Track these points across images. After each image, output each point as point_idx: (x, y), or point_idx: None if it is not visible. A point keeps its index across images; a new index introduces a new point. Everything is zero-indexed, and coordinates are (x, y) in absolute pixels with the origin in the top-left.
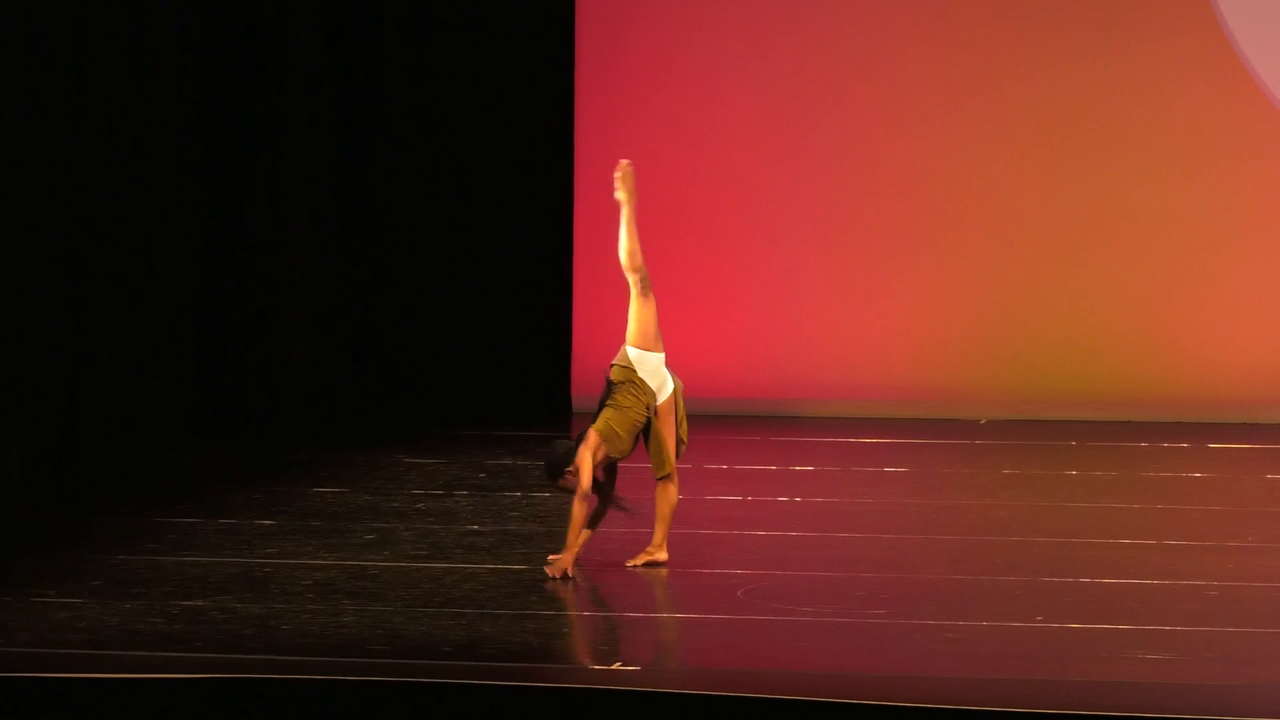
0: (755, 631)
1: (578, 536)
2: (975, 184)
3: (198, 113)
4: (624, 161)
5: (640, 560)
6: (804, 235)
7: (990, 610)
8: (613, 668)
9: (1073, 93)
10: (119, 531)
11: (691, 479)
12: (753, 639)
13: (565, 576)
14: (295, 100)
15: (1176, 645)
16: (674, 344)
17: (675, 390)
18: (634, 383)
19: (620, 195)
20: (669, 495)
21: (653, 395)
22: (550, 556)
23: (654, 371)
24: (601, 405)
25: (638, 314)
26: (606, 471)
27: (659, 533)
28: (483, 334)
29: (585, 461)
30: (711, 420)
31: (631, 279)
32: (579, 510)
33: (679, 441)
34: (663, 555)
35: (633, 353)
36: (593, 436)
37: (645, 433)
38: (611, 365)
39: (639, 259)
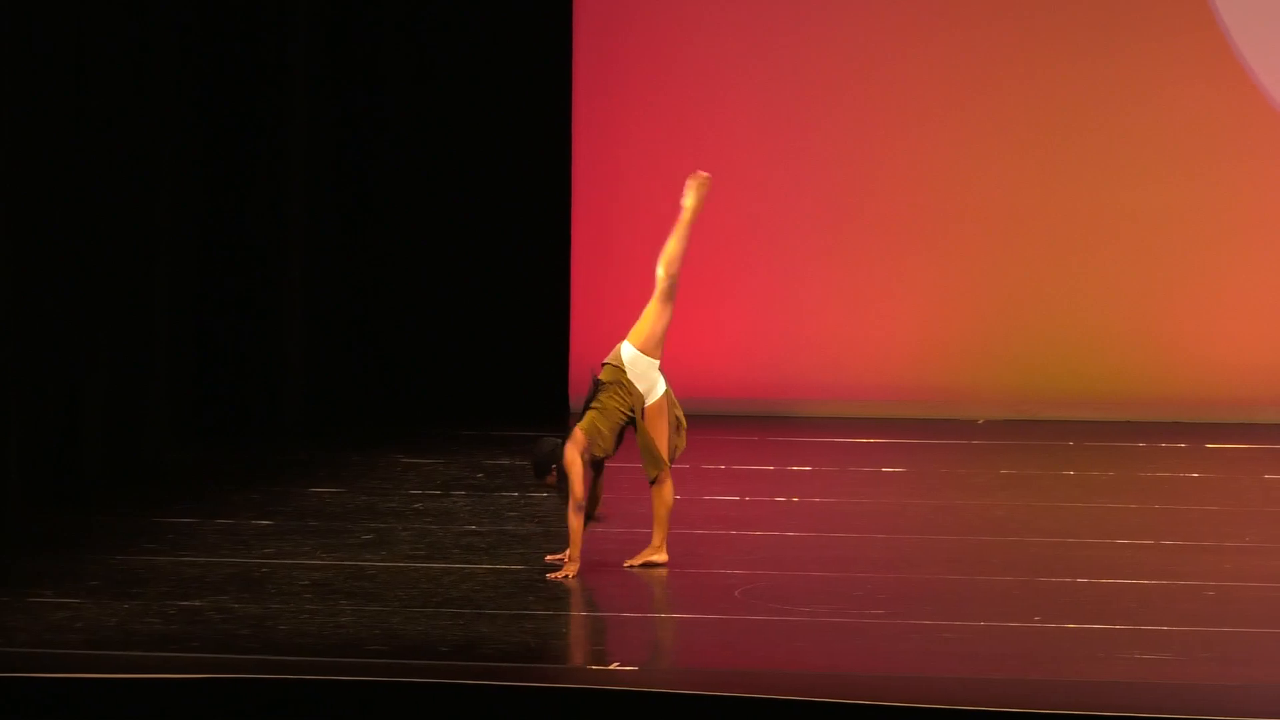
0: (752, 631)
1: (580, 547)
2: (973, 184)
3: (198, 113)
4: (704, 174)
5: (638, 561)
6: (802, 235)
7: (987, 610)
8: (610, 668)
9: (1071, 93)
10: (117, 531)
11: (689, 479)
12: (749, 639)
13: (566, 577)
14: (295, 100)
15: (1173, 645)
16: (673, 343)
17: (667, 394)
18: (622, 384)
19: (688, 201)
20: (663, 497)
21: (640, 398)
22: (549, 557)
23: (643, 375)
24: (587, 405)
25: (652, 317)
26: (593, 469)
27: (657, 534)
28: (481, 334)
29: (575, 465)
30: (709, 420)
31: (661, 282)
32: (576, 521)
33: (673, 450)
34: (662, 557)
35: (628, 351)
36: (579, 435)
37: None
38: (603, 364)
39: (678, 265)
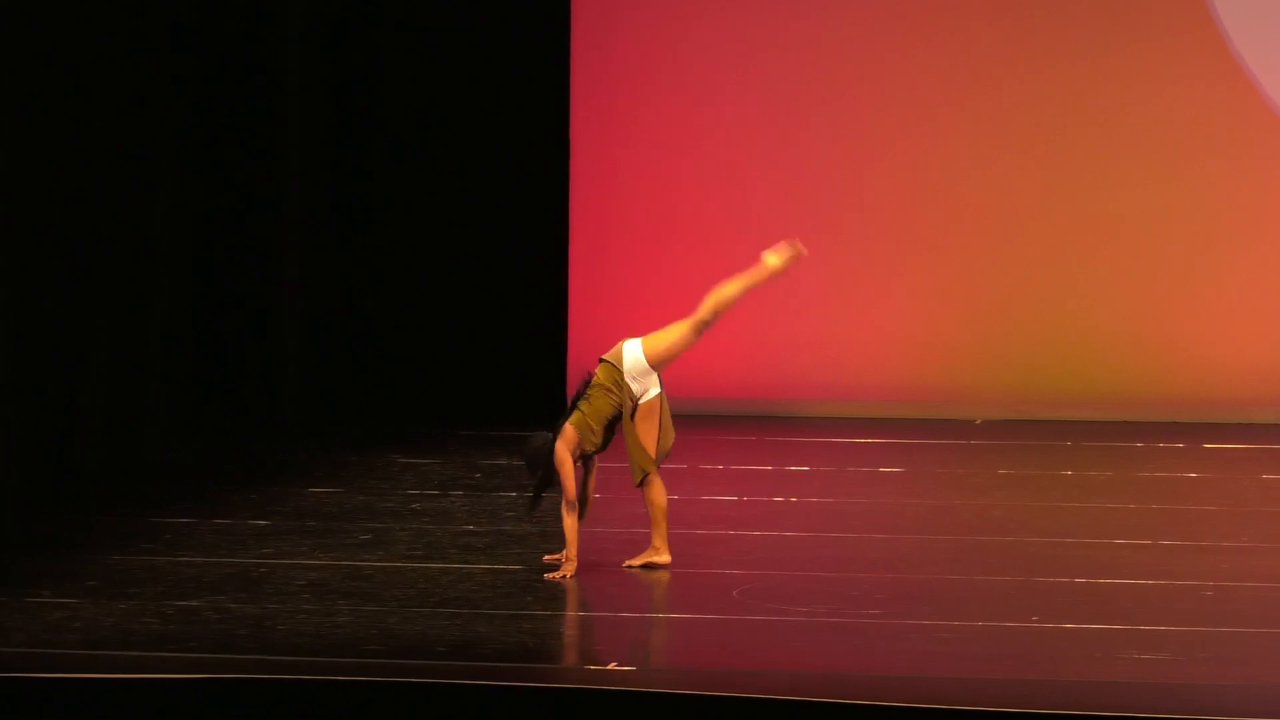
0: (750, 631)
1: (576, 546)
2: (971, 184)
3: (196, 113)
4: (804, 249)
5: (638, 562)
6: (800, 235)
7: (985, 610)
8: (607, 668)
9: (1070, 94)
10: (115, 531)
11: (687, 479)
12: (747, 639)
13: (563, 578)
14: (293, 101)
15: (1171, 645)
16: None
17: (661, 396)
18: (617, 382)
19: (772, 261)
20: (655, 498)
21: (632, 396)
22: (546, 557)
23: (640, 378)
24: (575, 402)
25: (674, 339)
26: (584, 465)
27: (656, 536)
28: (479, 334)
29: (566, 463)
30: (707, 420)
31: (703, 313)
32: (570, 521)
33: (663, 451)
34: (664, 558)
35: (632, 353)
36: (570, 432)
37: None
38: (601, 360)
39: (726, 309)
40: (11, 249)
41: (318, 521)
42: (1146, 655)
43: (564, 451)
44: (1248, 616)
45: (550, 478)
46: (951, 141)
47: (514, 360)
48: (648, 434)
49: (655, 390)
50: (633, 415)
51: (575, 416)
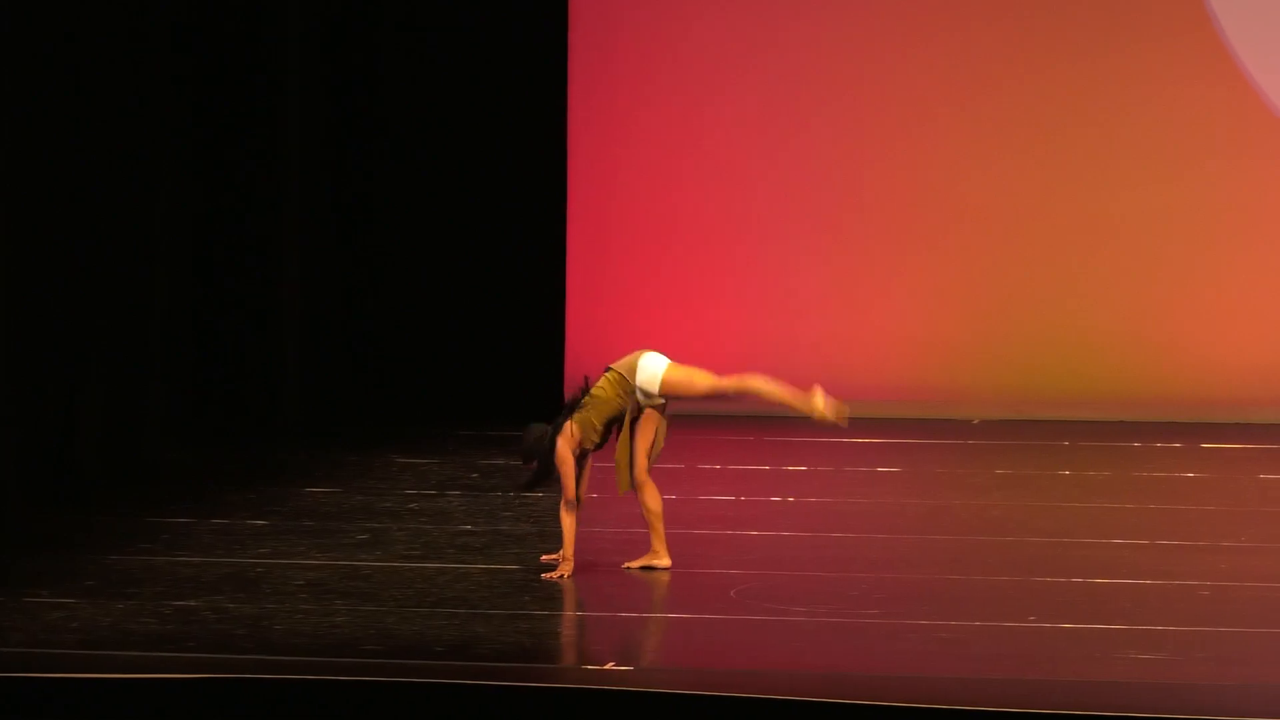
0: (748, 631)
1: (574, 546)
2: (971, 184)
3: (196, 113)
4: (848, 415)
5: (638, 564)
6: (798, 235)
7: (984, 610)
8: (605, 668)
9: (1069, 94)
10: (113, 531)
11: (685, 479)
12: (746, 639)
13: (561, 577)
14: (293, 101)
15: (1169, 645)
16: (671, 344)
17: (663, 407)
18: (626, 391)
19: (818, 403)
20: (649, 503)
21: (638, 403)
22: (544, 557)
23: (646, 395)
24: (576, 403)
25: (694, 386)
26: (578, 461)
27: (655, 540)
28: (477, 335)
29: (566, 461)
30: (705, 420)
31: (727, 383)
32: (568, 520)
33: (654, 454)
34: (664, 561)
35: (649, 374)
36: (572, 429)
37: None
38: (609, 368)
39: (749, 394)
40: (11, 249)
41: (315, 521)
42: (1145, 655)
43: (565, 450)
44: (1246, 616)
45: (547, 470)
46: (951, 141)
47: (512, 360)
48: (644, 438)
49: (661, 400)
50: (635, 418)
51: (579, 415)
